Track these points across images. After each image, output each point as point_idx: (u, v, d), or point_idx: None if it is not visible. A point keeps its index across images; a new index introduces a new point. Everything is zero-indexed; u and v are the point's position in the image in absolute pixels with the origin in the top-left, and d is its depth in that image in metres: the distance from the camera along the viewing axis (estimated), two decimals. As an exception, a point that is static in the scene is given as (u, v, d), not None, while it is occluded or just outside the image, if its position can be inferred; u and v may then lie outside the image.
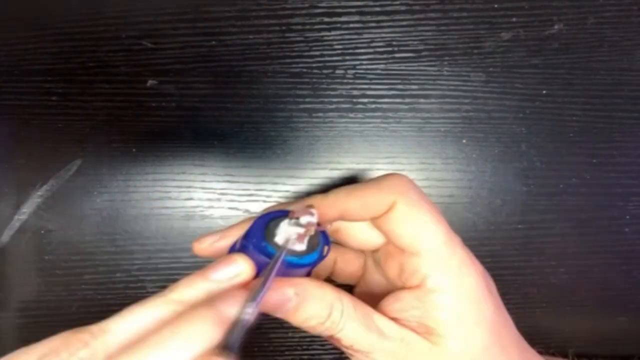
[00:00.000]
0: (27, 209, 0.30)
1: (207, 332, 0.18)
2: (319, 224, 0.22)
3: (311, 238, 0.22)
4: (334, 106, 0.31)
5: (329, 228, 0.24)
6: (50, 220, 0.31)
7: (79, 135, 0.30)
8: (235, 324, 0.18)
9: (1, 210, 0.30)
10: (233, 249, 0.23)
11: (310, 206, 0.22)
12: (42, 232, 0.31)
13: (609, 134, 0.31)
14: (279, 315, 0.22)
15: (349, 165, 0.31)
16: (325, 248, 0.23)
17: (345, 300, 0.22)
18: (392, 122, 0.31)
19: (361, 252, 0.27)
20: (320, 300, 0.22)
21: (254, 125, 0.31)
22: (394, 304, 0.23)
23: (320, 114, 0.31)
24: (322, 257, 0.22)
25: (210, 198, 0.31)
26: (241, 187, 0.31)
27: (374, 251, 0.26)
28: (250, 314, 0.18)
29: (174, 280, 0.31)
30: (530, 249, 0.32)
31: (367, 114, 0.31)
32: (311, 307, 0.22)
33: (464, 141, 0.31)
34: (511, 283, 0.32)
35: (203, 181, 0.31)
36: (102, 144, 0.30)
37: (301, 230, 0.21)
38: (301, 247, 0.22)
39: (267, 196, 0.31)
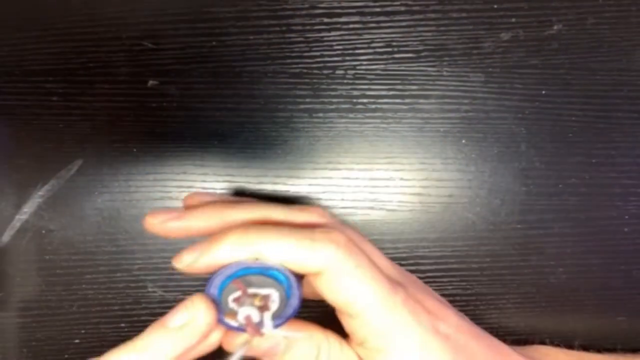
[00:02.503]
0: (28, 209, 0.30)
1: None
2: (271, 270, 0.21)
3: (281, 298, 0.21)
4: (334, 106, 0.31)
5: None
6: (51, 220, 0.31)
7: (79, 135, 0.30)
8: None
9: (2, 210, 0.30)
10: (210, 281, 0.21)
11: (253, 295, 0.21)
12: (43, 232, 0.31)
13: (608, 134, 0.31)
14: (267, 359, 0.22)
15: (349, 165, 0.31)
16: (296, 302, 0.21)
17: (331, 340, 0.23)
18: (391, 123, 0.31)
19: None
20: (308, 343, 0.22)
21: (255, 126, 0.31)
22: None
23: (320, 115, 0.31)
24: (295, 311, 0.21)
25: (210, 198, 0.31)
26: (241, 187, 0.31)
27: None
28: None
29: (175, 280, 0.31)
30: (529, 248, 0.32)
31: (367, 115, 0.31)
32: (300, 349, 0.22)
33: (464, 141, 0.31)
34: (510, 283, 0.32)
35: (204, 181, 0.31)
36: (103, 144, 0.30)
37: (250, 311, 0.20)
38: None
39: (267, 196, 0.31)
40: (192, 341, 0.20)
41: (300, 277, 0.22)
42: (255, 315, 0.20)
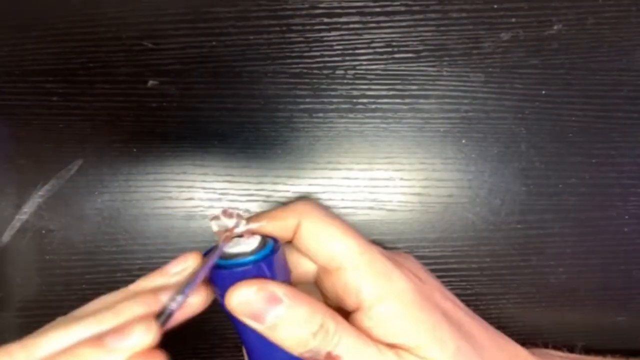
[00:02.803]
0: (28, 209, 0.30)
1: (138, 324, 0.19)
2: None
3: (259, 244, 0.22)
4: (334, 106, 0.31)
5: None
6: (51, 220, 0.31)
7: (79, 135, 0.30)
8: (161, 311, 0.19)
9: (2, 210, 0.30)
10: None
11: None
12: (43, 231, 0.31)
13: (608, 134, 0.31)
14: (264, 325, 0.20)
15: (349, 165, 0.31)
16: (279, 245, 0.22)
17: (336, 314, 0.21)
18: (391, 123, 0.31)
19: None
20: (312, 306, 0.21)
21: (255, 126, 0.31)
22: (360, 330, 0.22)
23: (320, 114, 0.31)
24: (275, 250, 0.22)
25: (210, 198, 0.31)
26: (241, 187, 0.31)
27: (317, 283, 0.26)
28: (174, 306, 0.19)
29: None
30: (529, 248, 0.32)
31: (367, 115, 0.31)
32: (303, 311, 0.20)
33: (464, 141, 0.31)
34: (510, 283, 0.32)
35: (204, 181, 0.31)
36: (103, 144, 0.30)
37: (230, 222, 0.21)
38: (246, 246, 0.21)
39: (267, 196, 0.31)
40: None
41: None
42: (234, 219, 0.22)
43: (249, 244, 0.22)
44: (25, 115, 0.30)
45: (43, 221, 0.31)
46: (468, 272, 0.32)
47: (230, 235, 0.22)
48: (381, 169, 0.31)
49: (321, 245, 0.23)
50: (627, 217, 0.32)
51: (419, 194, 0.31)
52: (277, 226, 0.23)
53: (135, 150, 0.30)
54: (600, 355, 0.31)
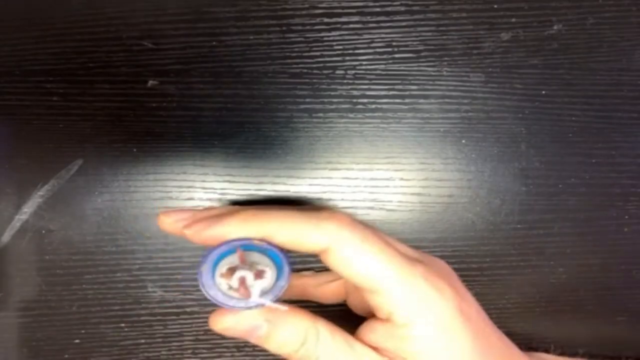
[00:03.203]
0: (28, 209, 0.30)
1: None
2: (269, 243, 0.22)
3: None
4: (333, 106, 0.31)
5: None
6: (51, 220, 0.31)
7: (79, 135, 0.30)
8: None
9: (2, 210, 0.30)
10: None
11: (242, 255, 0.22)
12: (43, 232, 0.31)
13: (608, 134, 0.31)
14: (252, 341, 0.22)
15: (349, 165, 0.31)
16: (283, 283, 0.22)
17: (321, 328, 0.22)
18: (391, 123, 0.31)
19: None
20: (293, 327, 0.22)
21: (255, 126, 0.31)
22: (369, 334, 0.23)
23: (320, 115, 0.31)
24: (281, 290, 0.21)
25: (210, 198, 0.31)
26: (241, 187, 0.31)
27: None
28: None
29: (175, 280, 0.32)
30: (529, 248, 0.32)
31: (367, 115, 0.31)
32: (283, 334, 0.22)
33: (464, 141, 0.31)
34: (510, 283, 0.32)
35: (204, 181, 0.31)
36: (102, 144, 0.30)
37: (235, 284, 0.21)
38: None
39: (267, 196, 0.31)
40: None
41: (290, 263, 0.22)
42: (249, 279, 0.21)
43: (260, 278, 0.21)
44: (25, 115, 0.30)
45: (43, 221, 0.31)
46: (468, 272, 0.32)
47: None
48: (381, 169, 0.31)
49: (354, 272, 0.22)
50: (627, 217, 0.32)
51: (419, 194, 0.31)
52: (300, 240, 0.22)
53: (135, 150, 0.30)
54: None
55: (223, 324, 0.22)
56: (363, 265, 0.21)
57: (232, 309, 0.21)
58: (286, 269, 0.22)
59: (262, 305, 0.21)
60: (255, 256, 0.22)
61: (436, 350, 0.22)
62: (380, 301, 0.22)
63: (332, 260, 0.22)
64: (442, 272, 0.24)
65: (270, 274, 0.21)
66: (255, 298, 0.21)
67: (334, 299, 0.28)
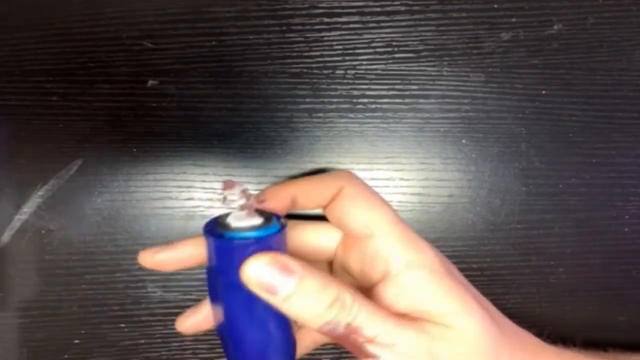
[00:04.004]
0: (27, 209, 0.30)
1: None
2: (262, 201, 0.22)
3: (266, 220, 0.22)
4: (334, 106, 0.31)
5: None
6: (51, 220, 0.31)
7: (79, 135, 0.30)
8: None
9: (2, 210, 0.30)
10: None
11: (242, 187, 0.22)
12: (43, 232, 0.31)
13: (608, 134, 0.31)
14: (278, 298, 0.19)
15: (349, 165, 0.31)
16: (285, 222, 0.22)
17: (351, 287, 0.20)
18: (391, 122, 0.31)
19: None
20: (325, 278, 0.20)
21: (254, 126, 0.31)
22: (381, 303, 0.22)
23: (320, 114, 0.31)
24: (283, 227, 0.21)
25: (210, 198, 0.31)
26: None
27: (335, 258, 0.26)
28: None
29: (175, 280, 0.32)
30: (529, 248, 0.32)
31: (367, 114, 0.31)
32: (317, 283, 0.19)
33: (464, 141, 0.31)
34: (510, 283, 0.32)
35: (203, 181, 0.31)
36: (102, 144, 0.30)
37: (238, 199, 0.20)
38: (252, 220, 0.21)
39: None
40: None
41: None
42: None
43: (255, 220, 0.21)
44: (25, 115, 0.30)
45: (43, 221, 0.31)
46: (468, 272, 0.32)
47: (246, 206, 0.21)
48: (381, 169, 0.31)
49: (359, 211, 0.24)
50: (627, 217, 0.32)
51: (419, 194, 0.31)
52: (318, 190, 0.24)
53: (135, 150, 0.30)
54: (602, 350, 0.31)
55: (252, 268, 0.19)
56: (367, 206, 0.24)
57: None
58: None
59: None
60: None
61: (448, 289, 0.22)
62: (376, 245, 0.23)
63: (342, 201, 0.24)
64: None
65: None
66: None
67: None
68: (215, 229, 0.22)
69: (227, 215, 0.22)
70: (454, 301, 0.22)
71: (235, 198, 0.21)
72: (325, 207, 0.25)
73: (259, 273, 0.19)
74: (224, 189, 0.21)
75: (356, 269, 0.24)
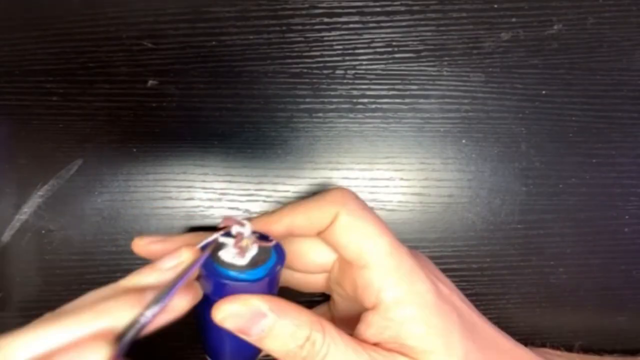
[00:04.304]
0: (27, 209, 0.30)
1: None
2: (266, 238, 0.22)
3: (261, 254, 0.22)
4: (334, 106, 0.31)
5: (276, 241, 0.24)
6: (51, 220, 0.31)
7: (79, 135, 0.30)
8: (132, 324, 0.19)
9: (2, 210, 0.30)
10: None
11: (245, 219, 0.22)
12: (43, 231, 0.31)
13: (608, 134, 0.31)
14: (251, 338, 0.21)
15: (349, 165, 0.31)
16: (278, 267, 0.22)
17: (325, 324, 0.21)
18: (392, 122, 0.31)
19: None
20: (298, 319, 0.21)
21: (254, 126, 0.31)
22: (367, 330, 0.22)
23: (320, 114, 0.31)
24: (270, 273, 0.22)
25: (210, 198, 0.31)
26: (241, 187, 0.31)
27: (331, 273, 0.26)
28: (148, 316, 0.19)
29: (175, 280, 0.31)
30: (529, 248, 0.32)
31: (367, 114, 0.31)
32: (288, 325, 0.20)
33: (464, 141, 0.31)
34: (510, 283, 0.32)
35: (204, 181, 0.31)
36: (102, 144, 0.30)
37: (231, 240, 0.21)
38: (241, 261, 0.21)
39: (268, 196, 0.31)
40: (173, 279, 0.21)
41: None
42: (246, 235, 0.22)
43: (244, 259, 0.22)
44: (25, 115, 0.30)
45: (43, 221, 0.31)
46: (468, 272, 0.32)
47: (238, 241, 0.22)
48: (381, 169, 0.31)
49: (353, 240, 0.23)
50: (627, 217, 0.32)
51: (419, 194, 0.31)
52: (313, 218, 0.24)
53: (135, 150, 0.30)
54: (598, 355, 0.31)
55: (225, 312, 0.20)
56: (362, 236, 0.23)
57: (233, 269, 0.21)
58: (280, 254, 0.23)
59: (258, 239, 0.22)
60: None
61: (432, 327, 0.22)
62: (369, 276, 0.22)
63: (337, 228, 0.23)
64: (422, 260, 0.25)
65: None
66: (248, 231, 0.22)
67: (315, 288, 0.28)
68: (211, 255, 0.22)
69: (224, 245, 0.22)
70: (438, 339, 0.22)
71: (230, 240, 0.22)
72: (320, 234, 0.24)
73: (228, 316, 0.21)
74: (222, 226, 0.22)
75: (349, 291, 0.25)
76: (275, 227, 0.24)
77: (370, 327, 0.22)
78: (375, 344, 0.22)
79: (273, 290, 0.23)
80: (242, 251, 0.22)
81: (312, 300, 0.31)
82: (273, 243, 0.23)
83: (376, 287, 0.22)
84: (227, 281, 0.21)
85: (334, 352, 0.21)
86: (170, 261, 0.21)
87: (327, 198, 0.24)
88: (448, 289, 0.24)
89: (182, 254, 0.21)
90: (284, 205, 0.25)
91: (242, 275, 0.21)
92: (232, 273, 0.21)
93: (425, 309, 0.22)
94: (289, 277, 0.27)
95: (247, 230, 0.22)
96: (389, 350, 0.22)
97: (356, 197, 0.24)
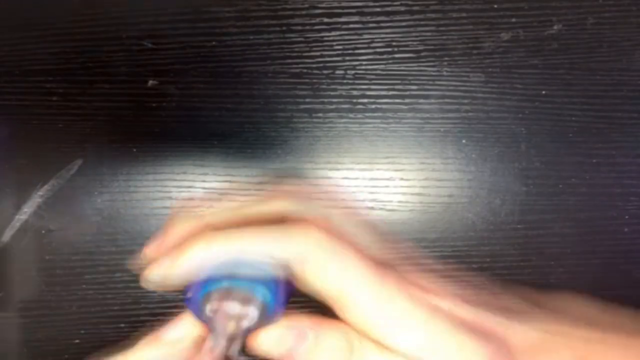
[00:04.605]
0: (27, 209, 0.30)
1: None
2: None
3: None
4: (333, 106, 0.31)
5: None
6: (51, 220, 0.31)
7: (79, 135, 0.30)
8: None
9: (2, 210, 0.30)
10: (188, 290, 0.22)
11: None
12: (43, 232, 0.31)
13: (608, 134, 0.31)
14: None
15: (349, 165, 0.31)
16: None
17: (358, 335, 0.21)
18: (391, 123, 0.31)
19: None
20: (340, 334, 0.20)
21: (254, 126, 0.31)
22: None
23: (320, 115, 0.31)
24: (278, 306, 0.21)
25: (210, 198, 0.31)
26: (241, 187, 0.31)
27: None
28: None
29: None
30: (529, 248, 0.32)
31: (367, 115, 0.31)
32: (331, 341, 0.20)
33: (464, 141, 0.31)
34: (510, 283, 0.32)
35: (203, 181, 0.31)
36: (102, 144, 0.30)
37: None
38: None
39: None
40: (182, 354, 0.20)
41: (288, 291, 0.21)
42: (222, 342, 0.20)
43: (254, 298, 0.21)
44: (24, 115, 0.30)
45: (43, 221, 0.31)
46: (468, 272, 0.32)
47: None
48: (381, 169, 0.31)
49: (324, 287, 0.21)
50: (627, 217, 0.32)
51: (419, 194, 0.31)
52: (273, 252, 0.21)
53: (135, 150, 0.30)
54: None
55: (265, 345, 0.20)
56: (337, 279, 0.20)
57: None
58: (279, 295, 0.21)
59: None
60: (238, 291, 0.21)
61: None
62: (352, 319, 0.21)
63: (307, 275, 0.21)
64: (412, 271, 0.23)
65: (255, 313, 0.21)
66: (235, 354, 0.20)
67: None
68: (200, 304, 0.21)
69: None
70: None
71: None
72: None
73: (273, 344, 0.21)
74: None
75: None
76: (221, 251, 0.21)
77: None
78: None
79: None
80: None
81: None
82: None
83: (361, 329, 0.21)
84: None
85: (370, 354, 0.20)
86: (172, 333, 0.21)
87: (290, 235, 0.21)
88: (440, 297, 0.23)
89: (182, 322, 0.21)
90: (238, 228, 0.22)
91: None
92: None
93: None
94: None
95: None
96: None
97: (323, 236, 0.21)
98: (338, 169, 0.31)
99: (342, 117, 0.31)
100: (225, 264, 0.21)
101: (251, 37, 0.30)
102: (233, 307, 0.20)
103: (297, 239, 0.21)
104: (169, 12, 0.30)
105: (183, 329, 0.21)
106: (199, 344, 0.21)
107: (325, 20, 0.30)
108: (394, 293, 0.21)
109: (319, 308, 0.30)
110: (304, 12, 0.30)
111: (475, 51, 0.30)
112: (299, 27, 0.30)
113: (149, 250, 0.24)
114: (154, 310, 0.31)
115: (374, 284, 0.21)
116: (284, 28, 0.30)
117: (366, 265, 0.21)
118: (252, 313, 0.20)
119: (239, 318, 0.20)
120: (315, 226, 0.21)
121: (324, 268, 0.20)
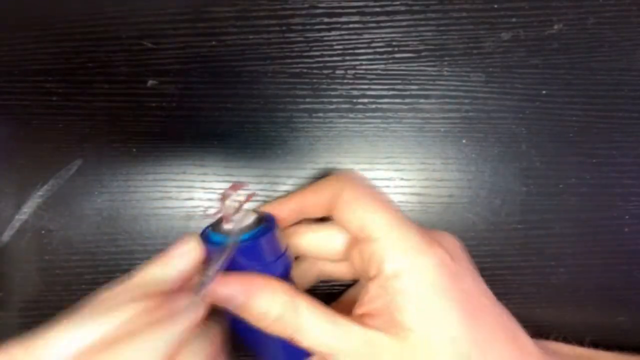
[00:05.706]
0: (27, 209, 0.30)
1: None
2: (249, 199, 0.24)
3: (259, 223, 0.23)
4: (334, 106, 0.31)
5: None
6: (51, 220, 0.31)
7: (79, 135, 0.30)
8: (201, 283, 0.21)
9: (2, 210, 0.30)
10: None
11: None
12: (43, 232, 0.31)
13: (609, 134, 0.31)
14: (232, 310, 0.22)
15: (349, 165, 0.31)
16: (272, 224, 0.24)
17: (300, 302, 0.22)
18: (392, 123, 0.31)
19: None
20: (271, 298, 0.22)
21: (254, 126, 0.31)
22: (364, 296, 0.23)
23: (320, 114, 0.31)
24: (267, 229, 0.23)
25: (210, 198, 0.31)
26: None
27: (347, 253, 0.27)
28: (208, 278, 0.21)
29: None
30: (529, 248, 0.32)
31: (367, 114, 0.31)
32: (260, 303, 0.22)
33: (464, 141, 0.31)
34: (511, 283, 0.32)
35: (203, 181, 0.31)
36: (102, 144, 0.30)
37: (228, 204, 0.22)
38: (230, 225, 0.23)
39: (268, 196, 0.31)
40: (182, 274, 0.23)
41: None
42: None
43: (245, 221, 0.23)
44: (25, 115, 0.30)
45: (42, 221, 0.31)
46: (468, 272, 0.32)
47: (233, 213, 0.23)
48: (381, 169, 0.31)
49: (354, 215, 0.24)
50: (627, 217, 0.32)
51: (419, 194, 0.31)
52: (320, 198, 0.25)
53: (134, 150, 0.30)
54: (607, 350, 0.31)
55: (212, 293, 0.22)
56: (363, 210, 0.23)
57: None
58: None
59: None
60: None
61: (425, 304, 0.22)
62: (373, 248, 0.23)
63: (339, 205, 0.24)
64: (441, 238, 0.24)
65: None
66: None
67: (346, 276, 0.28)
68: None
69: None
70: (425, 317, 0.22)
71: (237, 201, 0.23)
72: (330, 213, 0.25)
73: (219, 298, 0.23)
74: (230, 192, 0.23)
75: (358, 265, 0.25)
76: (287, 206, 0.25)
77: (367, 294, 0.23)
78: (366, 314, 0.22)
79: (279, 255, 0.24)
80: (228, 216, 0.23)
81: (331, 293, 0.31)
82: (264, 213, 0.24)
83: (378, 259, 0.23)
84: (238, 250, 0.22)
85: (306, 328, 0.22)
86: (179, 250, 0.23)
87: (333, 178, 0.26)
88: (462, 268, 0.24)
89: (188, 241, 0.23)
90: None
91: (235, 238, 0.22)
92: (227, 238, 0.22)
93: (423, 285, 0.22)
94: (321, 269, 0.28)
95: (235, 196, 0.23)
96: (369, 326, 0.22)
97: (361, 176, 0.26)
98: (338, 169, 0.31)
99: (342, 117, 0.31)
100: None
101: (251, 36, 0.30)
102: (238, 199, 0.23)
103: (341, 175, 0.26)
104: (169, 12, 0.30)
105: (186, 246, 0.23)
106: (199, 265, 0.23)
107: (325, 20, 0.30)
108: (406, 234, 0.23)
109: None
110: (304, 12, 0.30)
111: (475, 51, 0.30)
112: (299, 27, 0.30)
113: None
114: (154, 311, 0.31)
115: (396, 220, 0.23)
116: (284, 28, 0.30)
117: (392, 209, 0.24)
118: (250, 218, 0.24)
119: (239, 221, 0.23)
120: (350, 175, 0.26)
121: (354, 200, 0.24)
